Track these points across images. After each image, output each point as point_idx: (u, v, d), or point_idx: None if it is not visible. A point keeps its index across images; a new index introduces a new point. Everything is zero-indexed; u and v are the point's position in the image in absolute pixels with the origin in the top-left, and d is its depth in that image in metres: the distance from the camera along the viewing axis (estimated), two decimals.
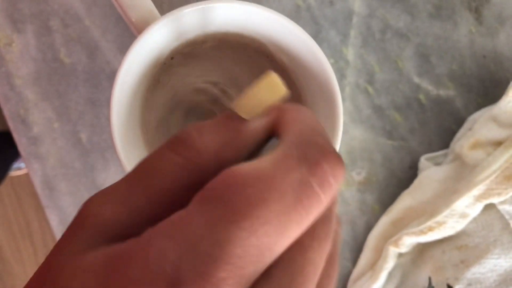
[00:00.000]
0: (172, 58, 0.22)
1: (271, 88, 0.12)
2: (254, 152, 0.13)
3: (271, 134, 0.13)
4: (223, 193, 0.10)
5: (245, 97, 0.13)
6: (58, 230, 0.27)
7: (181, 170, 0.12)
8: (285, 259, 0.10)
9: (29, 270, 0.92)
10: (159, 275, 0.09)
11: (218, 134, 0.12)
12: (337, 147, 0.20)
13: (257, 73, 0.23)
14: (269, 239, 0.10)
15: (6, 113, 0.27)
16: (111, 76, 0.27)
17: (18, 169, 0.89)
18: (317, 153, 0.11)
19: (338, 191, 0.11)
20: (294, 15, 0.28)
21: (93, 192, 0.28)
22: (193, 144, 0.12)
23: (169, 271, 0.09)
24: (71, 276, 0.10)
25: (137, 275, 0.09)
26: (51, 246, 0.93)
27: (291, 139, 0.11)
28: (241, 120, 0.13)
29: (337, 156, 0.11)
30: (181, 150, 0.12)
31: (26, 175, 0.90)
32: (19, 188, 0.93)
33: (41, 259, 0.93)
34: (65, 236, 0.11)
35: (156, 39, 0.20)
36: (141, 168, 0.12)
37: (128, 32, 0.27)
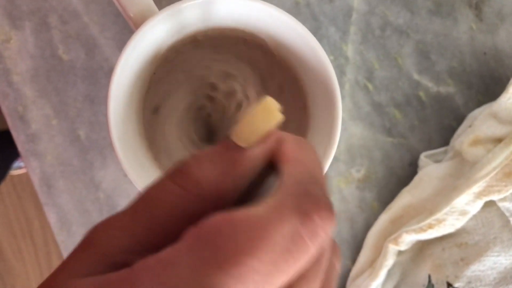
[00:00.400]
0: (169, 54, 0.22)
1: (267, 114, 0.12)
2: (254, 179, 0.13)
3: (270, 161, 0.13)
4: (215, 237, 0.10)
5: (241, 124, 0.12)
6: (56, 227, 0.27)
7: (180, 201, 0.12)
8: None
9: (30, 269, 0.92)
10: None
11: (216, 165, 0.12)
12: (335, 144, 0.20)
13: (256, 68, 0.23)
14: (255, 287, 0.10)
15: (4, 110, 0.27)
16: (110, 73, 0.27)
17: (18, 168, 0.89)
18: (310, 205, 0.11)
19: (328, 239, 0.12)
20: (294, 11, 0.28)
21: (91, 189, 0.27)
22: (192, 175, 0.12)
23: None
24: None
25: None
26: (51, 245, 0.93)
27: (288, 185, 0.12)
28: (239, 149, 0.13)
29: (328, 209, 0.11)
30: (181, 180, 0.12)
31: (27, 174, 0.90)
32: (20, 187, 0.93)
33: (42, 258, 0.93)
34: (69, 258, 0.12)
35: (154, 34, 0.20)
36: (144, 198, 0.12)
37: (127, 29, 0.27)
